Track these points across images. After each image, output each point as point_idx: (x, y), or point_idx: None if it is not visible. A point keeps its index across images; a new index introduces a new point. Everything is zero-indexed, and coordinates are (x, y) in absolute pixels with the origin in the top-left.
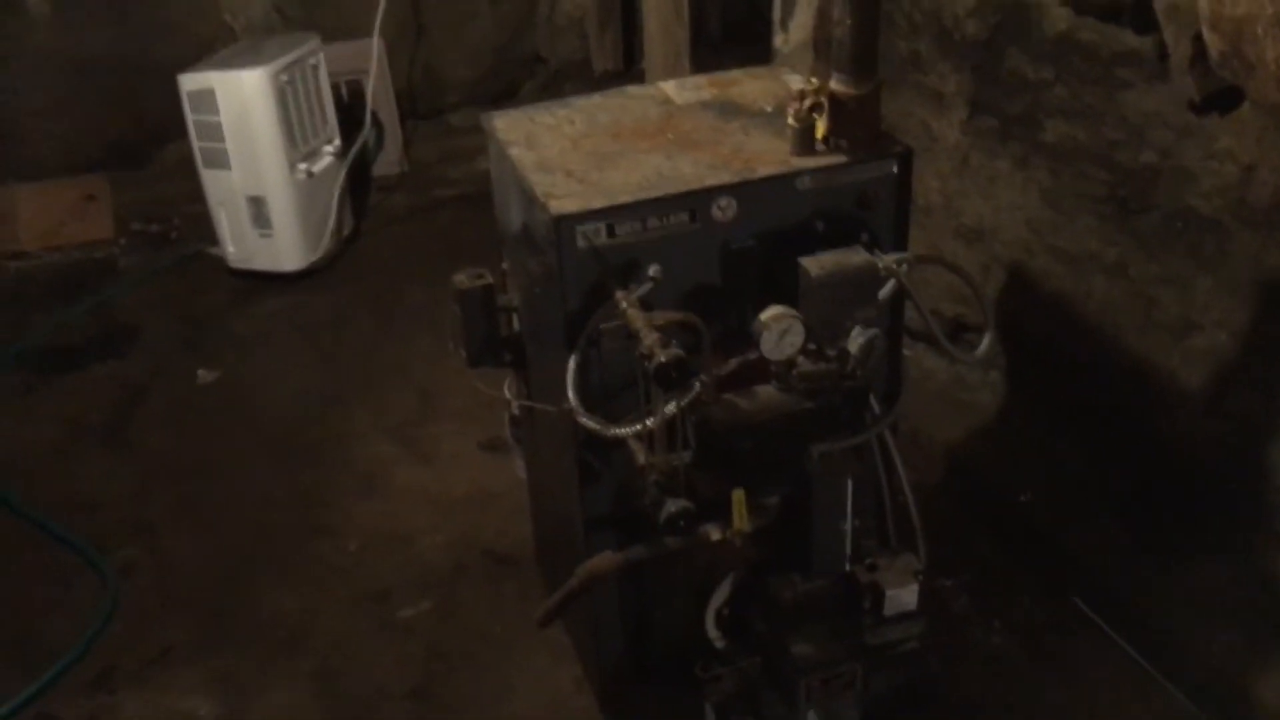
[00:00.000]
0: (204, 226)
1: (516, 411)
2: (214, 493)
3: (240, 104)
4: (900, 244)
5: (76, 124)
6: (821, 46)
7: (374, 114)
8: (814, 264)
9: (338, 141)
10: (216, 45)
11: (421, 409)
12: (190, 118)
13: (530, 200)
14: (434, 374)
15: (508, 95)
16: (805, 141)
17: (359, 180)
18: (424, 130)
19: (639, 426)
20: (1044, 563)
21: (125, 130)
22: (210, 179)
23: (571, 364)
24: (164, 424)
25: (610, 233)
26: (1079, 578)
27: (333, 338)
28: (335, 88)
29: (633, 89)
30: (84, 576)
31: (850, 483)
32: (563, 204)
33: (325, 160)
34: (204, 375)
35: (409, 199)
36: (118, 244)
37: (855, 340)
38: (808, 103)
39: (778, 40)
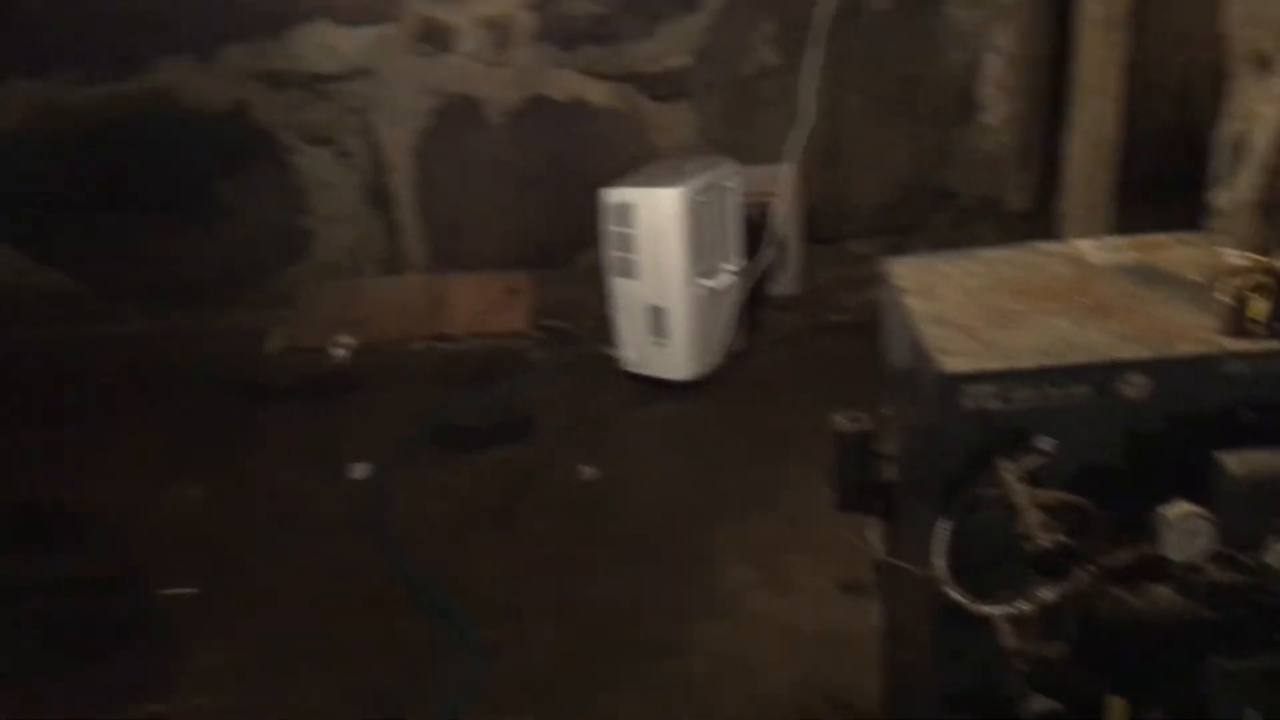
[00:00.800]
0: (606, 329)
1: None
2: (579, 589)
3: (656, 219)
4: None
5: (512, 225)
6: (1269, 211)
7: (778, 237)
8: (1236, 461)
9: (741, 261)
10: (642, 162)
11: (784, 536)
12: (609, 228)
13: (920, 351)
14: (802, 501)
15: (913, 227)
16: (1238, 321)
17: (755, 297)
18: (823, 254)
19: (1011, 609)
20: None
21: (550, 234)
22: (618, 286)
23: (942, 528)
24: (545, 514)
25: (1002, 398)
26: None
27: (709, 450)
28: (744, 208)
29: (1044, 245)
30: (449, 652)
31: (1255, 711)
32: (954, 361)
33: (726, 278)
34: (586, 472)
35: (801, 321)
36: (530, 338)
37: (1278, 552)
38: (1246, 279)
39: (1217, 197)
